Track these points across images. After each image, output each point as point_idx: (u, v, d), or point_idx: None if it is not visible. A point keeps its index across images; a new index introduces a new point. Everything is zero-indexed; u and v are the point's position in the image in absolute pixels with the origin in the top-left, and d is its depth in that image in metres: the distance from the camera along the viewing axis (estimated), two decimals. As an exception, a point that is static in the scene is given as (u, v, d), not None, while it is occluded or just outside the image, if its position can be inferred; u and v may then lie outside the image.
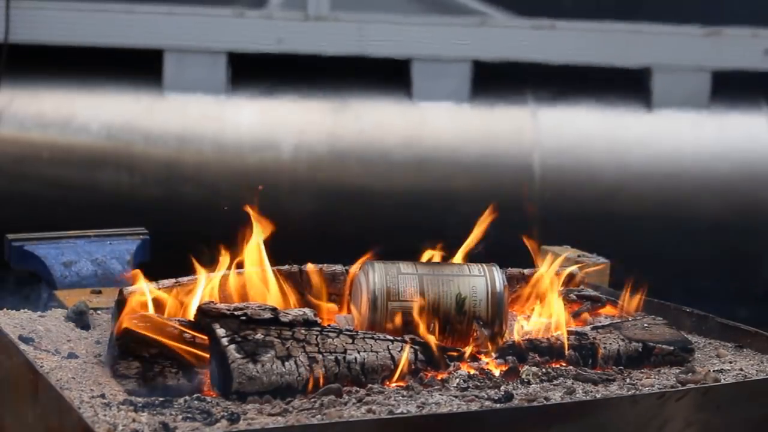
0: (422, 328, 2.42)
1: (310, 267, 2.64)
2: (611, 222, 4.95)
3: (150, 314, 2.37)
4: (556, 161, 4.97)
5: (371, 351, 2.32)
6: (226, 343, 2.24)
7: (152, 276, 2.54)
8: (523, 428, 2.14)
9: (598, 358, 2.47)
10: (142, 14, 4.95)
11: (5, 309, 2.67)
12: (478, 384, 2.30)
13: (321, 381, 2.25)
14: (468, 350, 2.41)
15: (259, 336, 2.26)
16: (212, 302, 2.37)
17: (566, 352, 2.45)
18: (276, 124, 4.96)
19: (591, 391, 2.31)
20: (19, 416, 2.36)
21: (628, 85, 5.15)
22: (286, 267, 2.62)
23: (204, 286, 2.51)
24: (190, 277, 2.55)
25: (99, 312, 2.70)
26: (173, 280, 2.54)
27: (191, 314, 2.41)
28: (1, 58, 4.86)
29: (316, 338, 2.30)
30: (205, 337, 2.30)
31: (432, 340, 2.39)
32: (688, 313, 2.81)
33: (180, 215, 4.83)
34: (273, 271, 2.57)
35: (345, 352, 2.30)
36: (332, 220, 4.89)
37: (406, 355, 2.33)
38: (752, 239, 5.06)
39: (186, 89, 4.96)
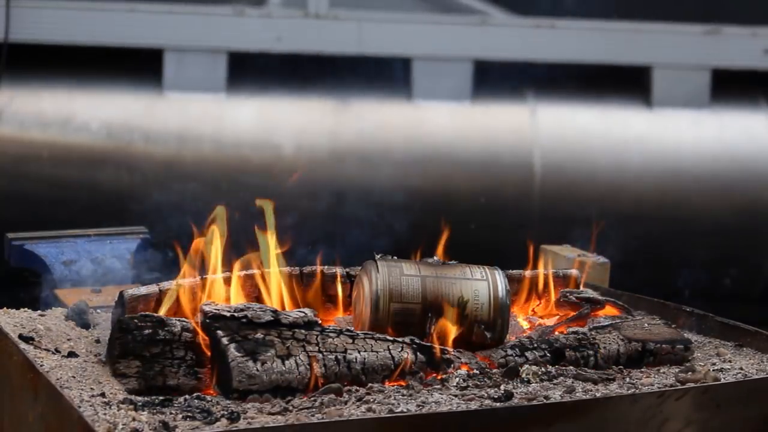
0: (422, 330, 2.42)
1: (310, 268, 2.64)
2: (611, 222, 4.95)
3: (152, 314, 2.36)
4: (556, 160, 4.97)
5: (371, 351, 2.32)
6: (226, 342, 2.24)
7: (151, 276, 2.54)
8: (522, 427, 2.14)
9: (598, 358, 2.47)
10: (142, 13, 4.95)
11: (5, 308, 2.67)
12: (478, 383, 2.30)
13: (321, 380, 2.25)
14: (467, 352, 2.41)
15: (259, 335, 2.25)
16: (213, 303, 2.37)
17: (566, 353, 2.45)
18: (276, 124, 4.95)
19: (591, 390, 2.31)
20: (19, 416, 2.36)
21: (628, 84, 5.14)
22: (287, 268, 2.62)
23: (204, 287, 2.51)
24: (189, 278, 2.54)
25: (99, 311, 2.70)
26: (173, 281, 2.54)
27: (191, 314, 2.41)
28: (1, 58, 4.85)
29: (316, 338, 2.30)
30: (206, 337, 2.30)
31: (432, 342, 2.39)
32: (688, 312, 2.81)
33: (180, 215, 4.82)
34: (274, 271, 2.57)
35: (345, 351, 2.30)
36: (332, 220, 4.88)
37: (406, 356, 2.33)
38: (752, 239, 5.06)
39: (186, 88, 4.95)
